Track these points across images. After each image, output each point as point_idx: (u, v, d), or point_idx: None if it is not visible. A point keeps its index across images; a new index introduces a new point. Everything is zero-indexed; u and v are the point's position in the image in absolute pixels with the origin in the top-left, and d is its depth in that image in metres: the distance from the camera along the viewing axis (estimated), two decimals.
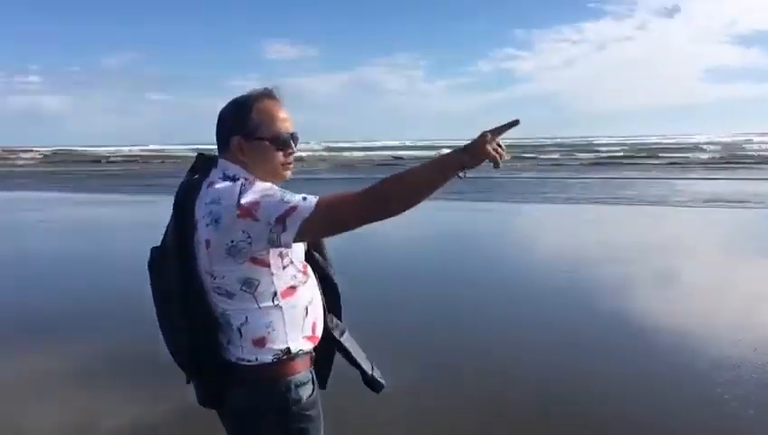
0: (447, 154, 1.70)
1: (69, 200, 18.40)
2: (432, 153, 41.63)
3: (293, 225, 1.65)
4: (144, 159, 44.64)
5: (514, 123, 1.72)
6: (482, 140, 1.67)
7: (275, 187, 1.76)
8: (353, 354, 2.06)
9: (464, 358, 4.88)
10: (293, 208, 1.66)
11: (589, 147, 44.69)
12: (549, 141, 55.07)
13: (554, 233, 11.76)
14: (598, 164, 31.66)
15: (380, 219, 1.71)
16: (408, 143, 54.72)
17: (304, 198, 1.68)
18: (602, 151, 39.65)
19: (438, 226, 12.02)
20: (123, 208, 16.37)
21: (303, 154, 39.50)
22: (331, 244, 1.99)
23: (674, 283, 7.48)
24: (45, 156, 50.92)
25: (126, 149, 54.62)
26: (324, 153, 42.31)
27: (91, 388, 4.39)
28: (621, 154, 37.56)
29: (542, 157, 36.59)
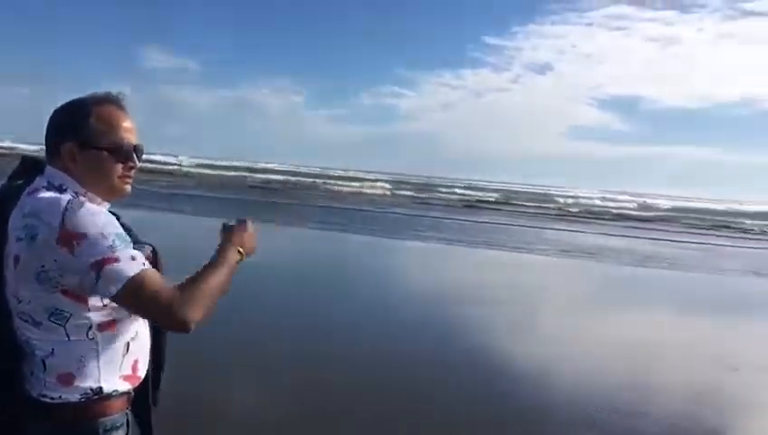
0: (227, 254, 1.65)
1: None
2: (309, 180, 41.45)
3: (108, 280, 1.44)
4: None
5: (244, 222, 1.75)
6: (241, 232, 1.70)
7: (112, 221, 1.49)
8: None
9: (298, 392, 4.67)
10: (115, 260, 1.43)
11: (462, 189, 46.34)
12: (425, 180, 56.61)
13: (413, 270, 11.85)
14: (470, 206, 32.80)
15: (179, 326, 1.49)
16: (288, 168, 54.09)
17: (133, 258, 1.46)
18: (473, 195, 41.21)
19: (302, 254, 11.77)
20: None
21: (172, 168, 37.95)
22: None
23: (522, 326, 7.68)
24: None
25: None
26: (194, 170, 40.79)
27: None
28: (492, 199, 39.22)
29: (419, 195, 37.39)
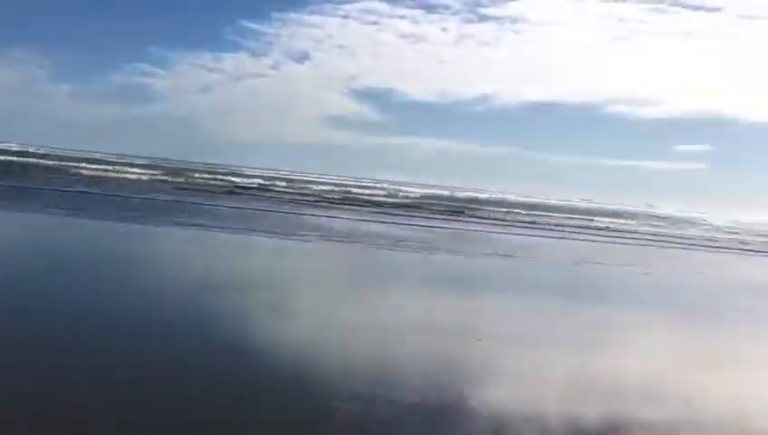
0: None
1: None
2: (52, 162, 37.54)
3: None
4: None
5: None
6: None
7: None
8: None
9: None
10: None
11: (223, 175, 45.52)
12: (183, 165, 54.44)
13: (172, 258, 11.69)
14: (231, 192, 32.41)
15: None
16: (26, 148, 48.28)
17: None
18: (234, 180, 40.77)
19: (45, 244, 10.92)
20: None
21: None
22: None
23: (281, 311, 8.04)
24: None
25: None
26: None
27: None
28: (253, 185, 39.15)
29: (176, 180, 35.95)
